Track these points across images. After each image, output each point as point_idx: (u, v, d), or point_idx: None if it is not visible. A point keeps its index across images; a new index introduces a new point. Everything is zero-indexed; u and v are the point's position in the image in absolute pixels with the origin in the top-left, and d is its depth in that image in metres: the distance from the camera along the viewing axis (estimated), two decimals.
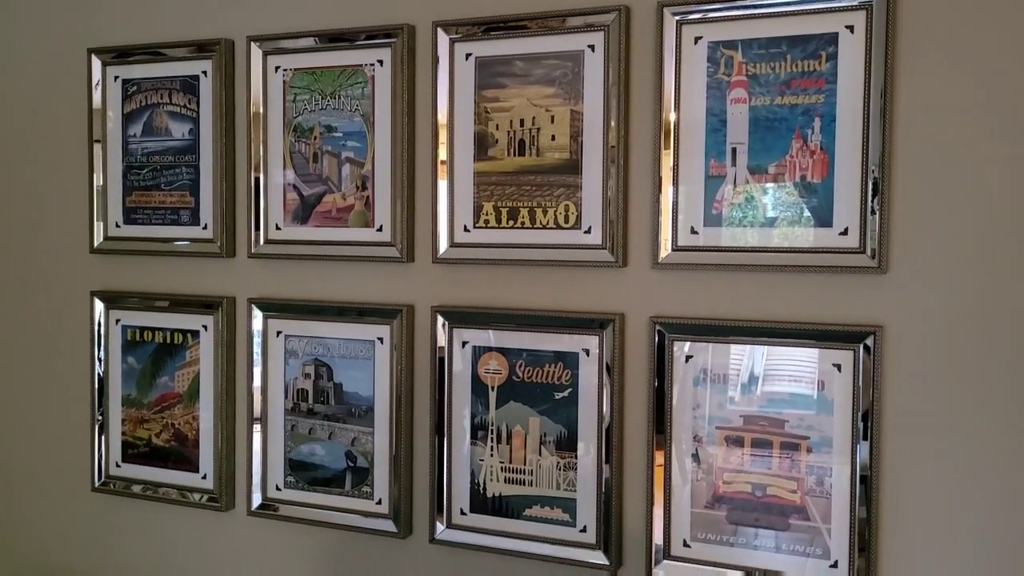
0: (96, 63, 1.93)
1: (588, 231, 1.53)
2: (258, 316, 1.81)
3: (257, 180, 1.79)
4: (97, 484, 1.99)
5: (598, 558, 1.55)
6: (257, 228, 1.79)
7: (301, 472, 1.79)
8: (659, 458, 1.50)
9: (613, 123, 1.50)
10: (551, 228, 1.56)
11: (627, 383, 1.55)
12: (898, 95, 1.36)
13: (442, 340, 1.65)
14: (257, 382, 1.82)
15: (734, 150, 1.44)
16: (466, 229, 1.62)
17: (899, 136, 1.36)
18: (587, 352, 1.55)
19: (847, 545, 1.40)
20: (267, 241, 1.79)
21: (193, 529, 1.94)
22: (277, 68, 1.76)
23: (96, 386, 1.98)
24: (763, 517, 1.45)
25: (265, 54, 1.77)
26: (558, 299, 1.59)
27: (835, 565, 1.41)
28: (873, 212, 1.35)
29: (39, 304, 2.08)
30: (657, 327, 1.50)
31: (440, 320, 1.65)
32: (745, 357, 1.45)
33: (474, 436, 1.64)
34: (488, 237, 1.60)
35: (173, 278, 1.92)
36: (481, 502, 1.64)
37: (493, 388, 1.62)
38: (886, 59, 1.34)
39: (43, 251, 2.07)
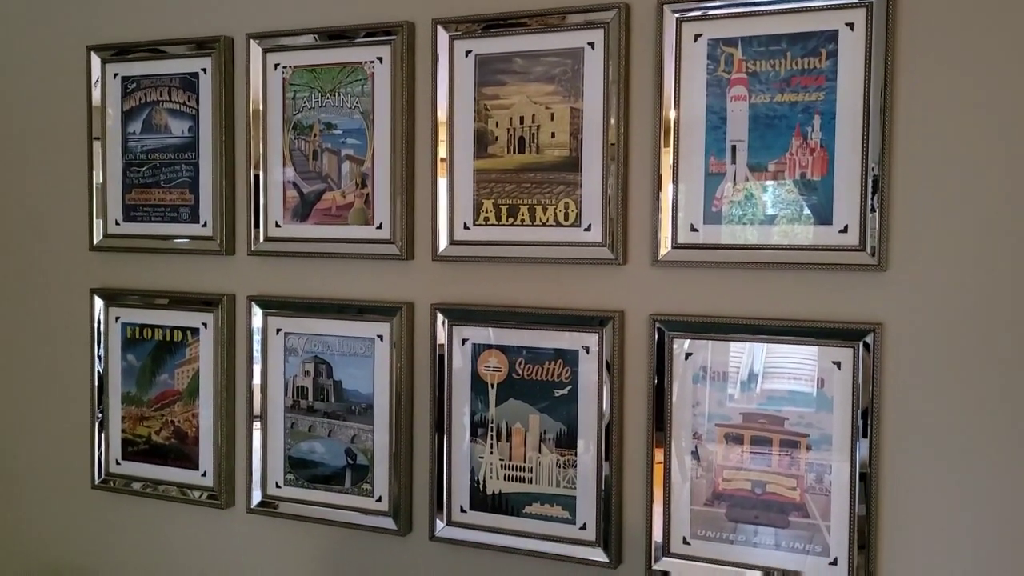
0: (96, 60, 1.93)
1: (588, 229, 1.53)
2: (258, 313, 1.81)
3: (257, 177, 1.79)
4: (97, 481, 1.99)
5: (598, 555, 1.55)
6: (257, 225, 1.79)
7: (301, 469, 1.79)
8: (659, 455, 1.51)
9: (613, 120, 1.50)
10: (551, 226, 1.56)
11: (627, 380, 1.55)
12: (898, 93, 1.36)
13: (442, 337, 1.65)
14: (257, 379, 1.82)
15: (734, 147, 1.44)
16: (466, 226, 1.62)
17: (899, 134, 1.36)
18: (587, 349, 1.55)
19: (846, 542, 1.40)
20: (267, 239, 1.79)
21: (193, 526, 1.94)
22: (277, 65, 1.76)
23: (96, 383, 1.98)
24: (763, 514, 1.45)
25: (265, 51, 1.77)
26: (558, 296, 1.59)
27: (835, 562, 1.41)
28: (873, 210, 1.35)
29: (39, 302, 2.08)
30: (657, 324, 1.50)
31: (440, 317, 1.65)
32: (745, 355, 1.45)
33: (474, 433, 1.64)
34: (488, 234, 1.60)
35: (173, 276, 1.92)
36: (481, 499, 1.64)
37: (493, 385, 1.62)
38: (886, 57, 1.34)
39: (43, 249, 2.07)
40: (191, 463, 1.89)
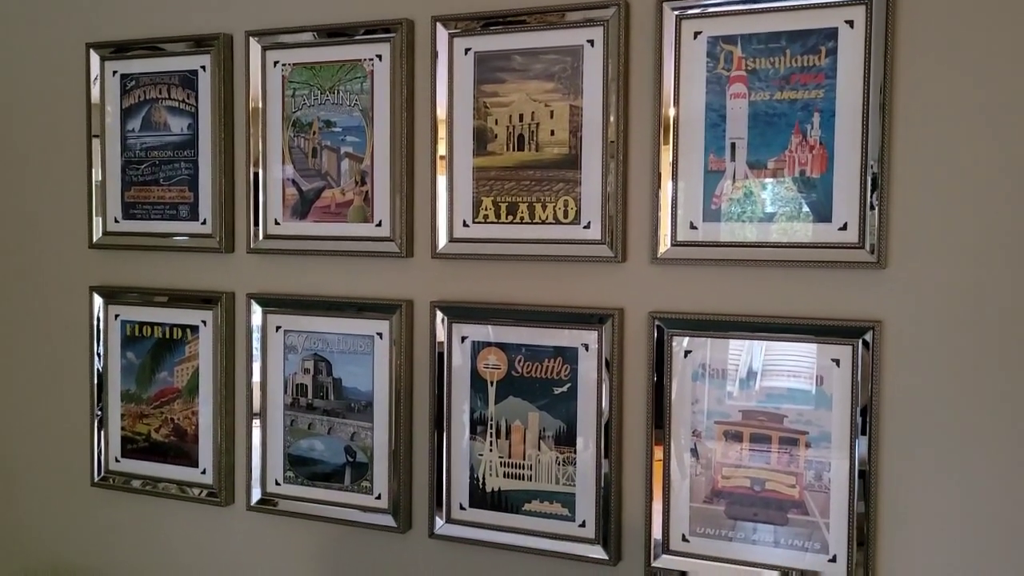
0: (95, 58, 1.93)
1: (587, 226, 1.53)
2: (257, 311, 1.81)
3: (256, 175, 1.79)
4: (96, 479, 1.99)
5: (597, 552, 1.55)
6: (256, 223, 1.79)
7: (300, 467, 1.79)
8: (658, 453, 1.51)
9: (612, 118, 1.50)
10: (550, 223, 1.56)
11: (626, 378, 1.55)
12: (897, 90, 1.36)
13: (441, 335, 1.65)
14: (256, 377, 1.82)
15: (733, 145, 1.44)
16: (465, 224, 1.62)
17: (898, 131, 1.36)
18: (586, 347, 1.55)
19: (845, 539, 1.40)
20: (266, 236, 1.79)
21: (192, 524, 1.94)
22: (276, 63, 1.76)
23: (95, 381, 1.98)
24: (762, 512, 1.45)
25: (264, 49, 1.77)
26: (557, 294, 1.59)
27: (833, 559, 1.41)
28: (872, 207, 1.35)
29: (38, 300, 2.08)
30: (656, 322, 1.50)
31: (439, 315, 1.65)
32: (744, 352, 1.45)
33: (473, 431, 1.64)
34: (487, 232, 1.60)
35: (172, 273, 1.92)
36: (480, 497, 1.64)
37: (492, 383, 1.62)
38: (885, 54, 1.34)
39: (42, 246, 2.07)
40: (191, 461, 1.89)
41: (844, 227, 1.38)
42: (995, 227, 1.32)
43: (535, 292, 1.61)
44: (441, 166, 1.63)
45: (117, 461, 1.97)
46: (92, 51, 1.93)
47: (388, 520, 1.71)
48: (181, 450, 1.90)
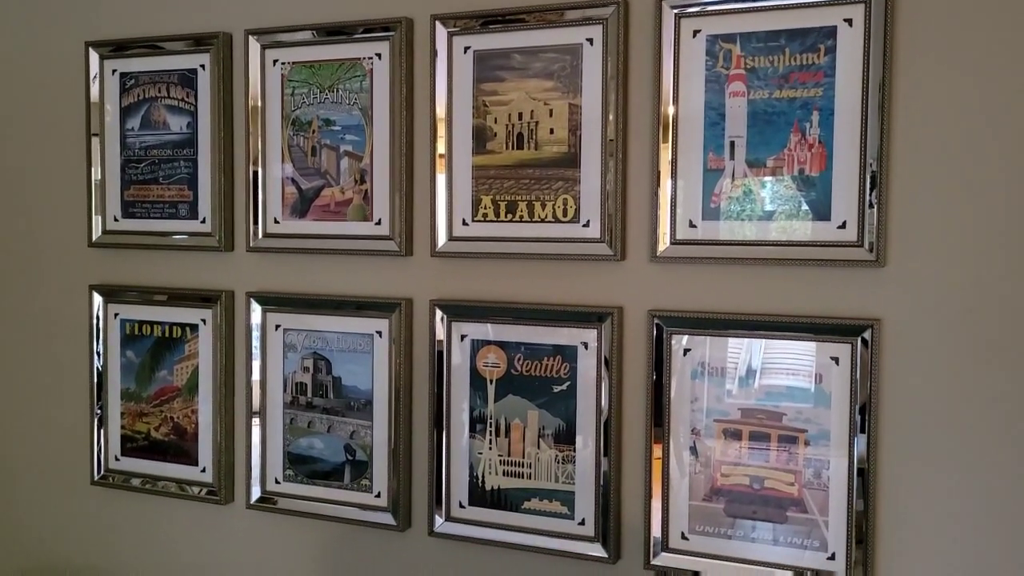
0: (94, 56, 1.93)
1: (586, 224, 1.53)
2: (257, 310, 1.81)
3: (255, 174, 1.79)
4: (96, 478, 1.99)
5: (596, 550, 1.56)
6: (255, 222, 1.79)
7: (300, 465, 1.79)
8: (657, 451, 1.51)
9: (612, 117, 1.50)
10: (549, 222, 1.56)
11: (625, 376, 1.55)
12: (896, 89, 1.36)
13: (441, 333, 1.65)
14: (256, 376, 1.82)
15: (732, 144, 1.44)
16: (464, 223, 1.62)
17: (897, 130, 1.36)
18: (585, 345, 1.55)
19: (844, 537, 1.40)
20: (265, 235, 1.79)
21: (192, 522, 1.94)
22: (275, 62, 1.76)
23: (95, 380, 1.98)
24: (761, 510, 1.45)
25: (263, 47, 1.77)
26: (557, 292, 1.59)
27: (832, 557, 1.41)
28: (871, 205, 1.36)
29: (37, 298, 2.08)
30: (655, 320, 1.50)
31: (439, 314, 1.65)
32: (743, 350, 1.46)
33: (473, 429, 1.64)
34: (486, 231, 1.60)
35: (171, 272, 1.92)
36: (480, 495, 1.64)
37: (492, 381, 1.62)
38: (884, 53, 1.34)
39: (41, 245, 2.07)
40: (190, 459, 1.89)
41: (843, 225, 1.38)
42: (994, 225, 1.32)
43: (534, 290, 1.61)
44: (440, 164, 1.63)
45: (117, 460, 1.97)
46: (91, 50, 1.93)
47: (388, 518, 1.71)
48: (181, 448, 1.90)
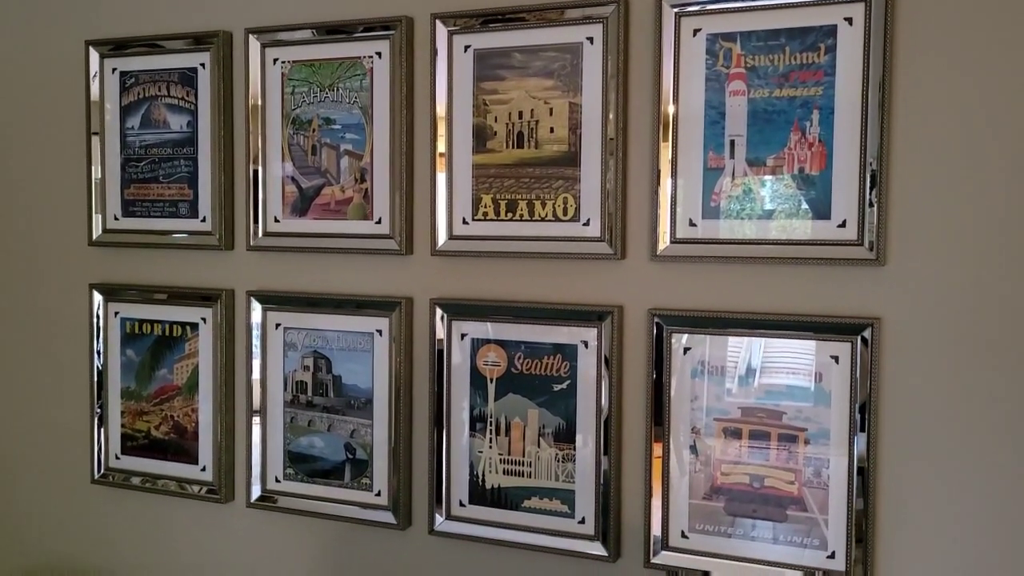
0: (94, 55, 1.93)
1: (587, 223, 1.53)
2: (257, 309, 1.81)
3: (255, 173, 1.79)
4: (96, 476, 1.99)
5: (596, 549, 1.56)
6: (256, 221, 1.79)
7: (300, 464, 1.79)
8: (657, 450, 1.51)
9: (612, 115, 1.50)
10: (549, 220, 1.56)
11: (625, 375, 1.55)
12: (896, 87, 1.36)
13: (441, 332, 1.65)
14: (256, 374, 1.82)
15: (732, 142, 1.44)
16: (465, 221, 1.62)
17: (897, 128, 1.36)
18: (585, 344, 1.55)
19: (844, 536, 1.41)
20: (266, 234, 1.79)
21: (192, 521, 1.94)
22: (275, 60, 1.76)
23: (95, 379, 1.98)
24: (761, 508, 1.45)
25: (263, 46, 1.77)
26: (557, 291, 1.59)
27: (832, 556, 1.41)
28: (871, 204, 1.36)
29: (38, 297, 2.08)
30: (655, 319, 1.50)
31: (439, 312, 1.65)
32: (743, 349, 1.46)
33: (473, 428, 1.64)
34: (487, 229, 1.60)
35: (172, 271, 1.92)
36: (480, 494, 1.64)
37: (492, 380, 1.62)
38: (884, 51, 1.34)
39: (41, 244, 2.07)
40: (191, 458, 1.90)
41: (843, 224, 1.38)
42: (994, 224, 1.32)
43: (534, 289, 1.61)
44: (441, 163, 1.63)
45: (117, 458, 1.97)
46: (91, 48, 1.93)
47: (388, 517, 1.71)
48: (181, 447, 1.91)
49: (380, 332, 1.70)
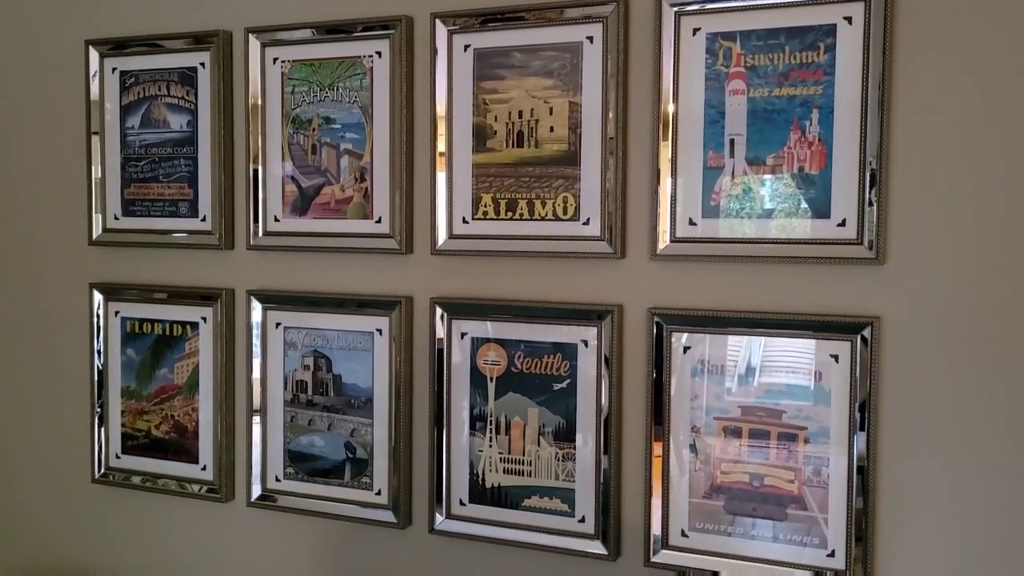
0: (94, 55, 1.93)
1: (586, 222, 1.54)
2: (257, 308, 1.81)
3: (255, 172, 1.79)
4: (97, 476, 1.99)
5: (596, 548, 1.56)
6: (256, 220, 1.80)
7: (300, 463, 1.79)
8: (657, 449, 1.51)
9: (611, 115, 1.50)
10: (549, 220, 1.56)
11: (625, 374, 1.55)
12: (896, 86, 1.36)
13: (441, 331, 1.65)
14: (256, 374, 1.82)
15: (732, 141, 1.44)
16: (465, 221, 1.62)
17: (897, 127, 1.36)
18: (585, 343, 1.55)
19: (844, 535, 1.41)
20: (266, 233, 1.79)
21: (193, 520, 1.94)
22: (275, 60, 1.76)
23: (95, 378, 1.98)
24: (761, 507, 1.45)
25: (263, 46, 1.77)
26: (556, 290, 1.59)
27: (832, 554, 1.42)
28: (871, 203, 1.36)
29: (38, 297, 2.08)
30: (655, 318, 1.50)
31: (439, 311, 1.65)
32: (743, 348, 1.46)
33: (473, 427, 1.64)
34: (486, 229, 1.61)
35: (172, 270, 1.92)
36: (480, 493, 1.64)
37: (492, 379, 1.63)
38: (884, 51, 1.34)
39: (42, 243, 2.07)
40: (191, 457, 1.90)
41: (843, 223, 1.38)
42: (993, 223, 1.32)
43: (534, 288, 1.61)
44: (441, 163, 1.63)
45: (117, 458, 1.97)
46: (91, 48, 1.93)
47: (388, 516, 1.72)
48: (181, 446, 1.91)
49: (380, 331, 1.71)
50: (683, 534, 1.50)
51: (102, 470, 1.99)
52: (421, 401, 1.70)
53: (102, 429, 1.98)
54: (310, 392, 1.78)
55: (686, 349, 1.49)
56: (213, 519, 1.92)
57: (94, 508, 2.05)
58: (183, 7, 1.88)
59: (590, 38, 1.52)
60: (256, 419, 1.83)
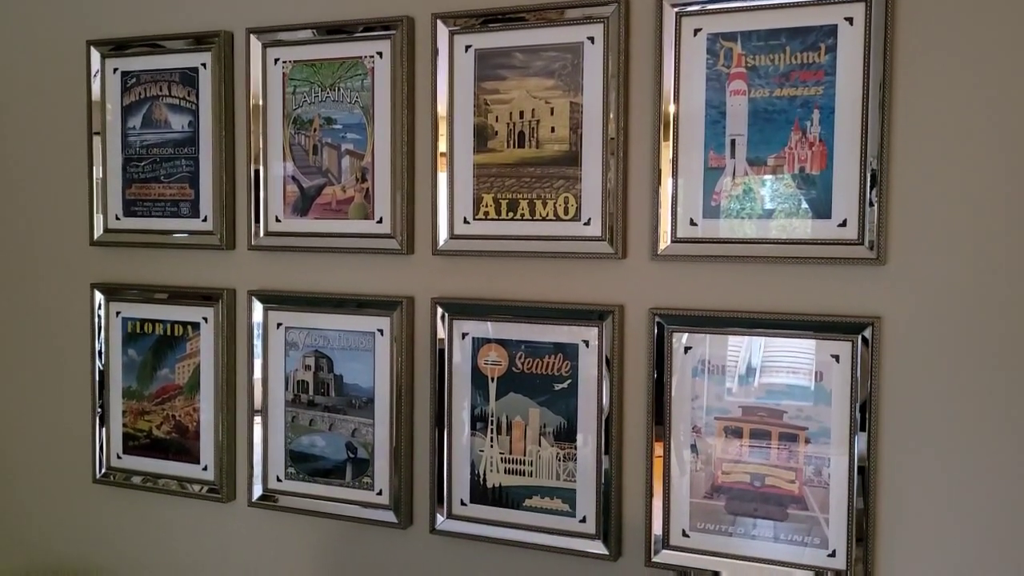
0: (95, 55, 1.93)
1: (587, 223, 1.54)
2: (258, 308, 1.81)
3: (257, 172, 1.79)
4: (98, 476, 1.99)
5: (597, 548, 1.56)
6: (257, 220, 1.80)
7: (302, 463, 1.79)
8: (658, 449, 1.51)
9: (612, 115, 1.51)
10: (550, 220, 1.56)
11: (626, 374, 1.55)
12: (897, 87, 1.36)
13: (442, 332, 1.66)
14: (257, 374, 1.82)
15: (733, 142, 1.44)
16: (466, 221, 1.62)
17: (897, 128, 1.36)
18: (586, 343, 1.55)
19: (845, 535, 1.41)
20: (267, 233, 1.79)
21: (194, 520, 1.94)
22: (276, 60, 1.76)
23: (96, 378, 1.98)
24: (761, 507, 1.46)
25: (264, 46, 1.77)
26: (557, 291, 1.59)
27: (833, 554, 1.42)
28: (871, 204, 1.36)
29: (39, 297, 2.08)
30: (656, 318, 1.50)
31: (440, 312, 1.66)
32: (743, 348, 1.46)
33: (474, 427, 1.65)
34: (488, 229, 1.61)
35: (173, 270, 1.92)
36: (481, 493, 1.64)
37: (493, 379, 1.63)
38: (885, 51, 1.34)
39: (43, 244, 2.07)
40: (192, 457, 1.90)
41: (843, 223, 1.38)
42: (994, 223, 1.32)
43: (535, 289, 1.61)
44: (442, 163, 1.63)
45: (119, 458, 1.98)
46: (92, 48, 1.93)
47: (389, 516, 1.72)
48: (182, 447, 1.91)
49: (381, 331, 1.71)
50: (684, 534, 1.51)
51: (103, 470, 1.99)
52: (422, 401, 1.71)
53: (103, 429, 1.98)
54: (311, 392, 1.78)
55: (687, 349, 1.49)
56: (214, 519, 1.92)
57: (95, 508, 2.05)
58: (184, 8, 1.88)
59: (591, 38, 1.52)
60: (257, 419, 1.83)
